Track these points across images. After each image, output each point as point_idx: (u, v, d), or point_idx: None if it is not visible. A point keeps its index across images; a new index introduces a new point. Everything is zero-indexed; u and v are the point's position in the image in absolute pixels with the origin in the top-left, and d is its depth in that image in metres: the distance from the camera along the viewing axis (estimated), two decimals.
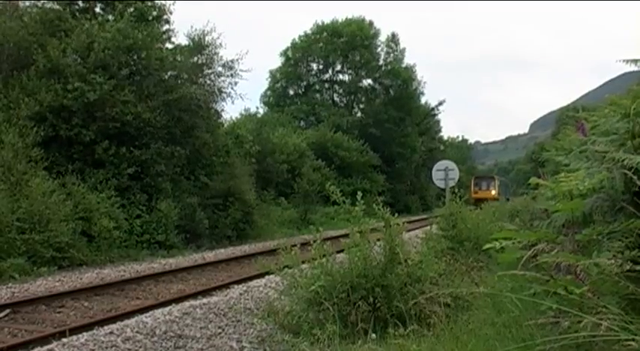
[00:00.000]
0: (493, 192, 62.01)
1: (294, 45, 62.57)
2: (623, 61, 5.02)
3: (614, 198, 4.28)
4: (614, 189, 4.17)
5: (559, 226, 4.80)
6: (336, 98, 64.93)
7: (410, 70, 64.79)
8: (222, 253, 22.83)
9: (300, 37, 62.87)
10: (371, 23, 63.65)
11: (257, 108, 56.95)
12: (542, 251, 4.01)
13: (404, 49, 65.42)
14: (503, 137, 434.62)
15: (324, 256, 9.08)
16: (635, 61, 4.95)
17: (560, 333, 3.60)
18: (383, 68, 63.29)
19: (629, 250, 3.63)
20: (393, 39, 64.93)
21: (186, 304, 12.04)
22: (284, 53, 62.81)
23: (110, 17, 25.07)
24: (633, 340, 2.91)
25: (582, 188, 3.93)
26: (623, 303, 3.61)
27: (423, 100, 71.24)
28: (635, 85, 6.14)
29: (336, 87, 65.00)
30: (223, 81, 27.80)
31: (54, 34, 22.98)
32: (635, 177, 3.59)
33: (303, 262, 9.48)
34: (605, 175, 4.06)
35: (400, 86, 62.71)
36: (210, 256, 21.75)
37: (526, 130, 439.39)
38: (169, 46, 27.20)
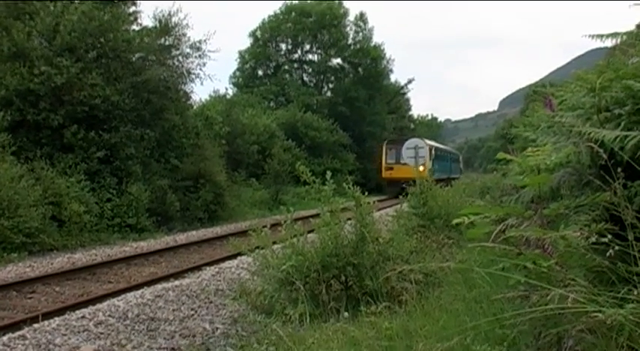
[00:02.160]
0: (421, 168, 37.78)
1: (263, 25, 62.29)
2: (589, 36, 5.05)
3: (580, 172, 4.31)
4: (580, 163, 4.20)
5: (527, 201, 4.84)
6: (305, 78, 64.83)
7: (379, 49, 64.78)
8: (194, 235, 22.80)
9: (269, 17, 62.63)
10: (339, 3, 63.48)
11: (226, 89, 56.93)
12: (511, 226, 4.03)
13: (372, 28, 65.42)
14: (472, 115, 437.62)
15: (295, 236, 9.10)
16: (600, 36, 4.98)
17: (530, 306, 3.63)
18: (352, 47, 63.22)
19: (596, 224, 3.67)
20: (362, 18, 64.84)
21: (159, 286, 12.06)
22: (253, 34, 62.55)
23: None
24: (600, 311, 2.95)
25: (549, 163, 3.96)
26: (590, 276, 3.65)
27: (392, 78, 71.44)
28: (601, 60, 6.18)
29: (306, 67, 64.88)
30: (192, 62, 27.59)
31: (18, 16, 22.62)
32: (601, 150, 3.62)
33: (274, 243, 9.51)
34: (572, 150, 4.09)
35: (369, 65, 62.69)
36: (181, 238, 21.72)
37: (495, 107, 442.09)
38: (136, 27, 26.94)
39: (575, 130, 4.17)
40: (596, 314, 2.96)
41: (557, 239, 3.64)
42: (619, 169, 3.47)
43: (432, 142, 52.03)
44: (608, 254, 3.28)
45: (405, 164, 41.16)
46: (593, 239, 3.38)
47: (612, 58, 5.26)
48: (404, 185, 34.22)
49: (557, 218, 4.23)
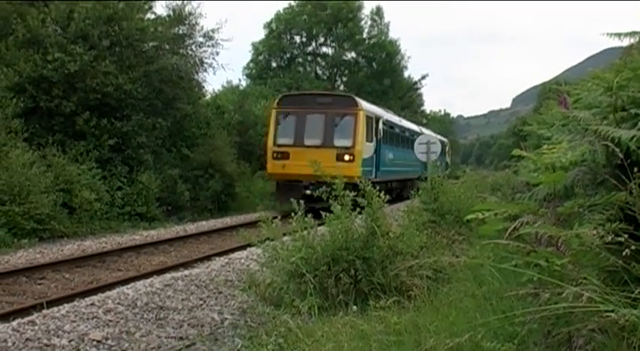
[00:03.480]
0: (347, 157, 24.94)
1: (277, 17, 62.19)
2: (607, 34, 5.03)
3: (595, 171, 4.29)
4: (595, 162, 4.18)
5: (540, 199, 4.82)
6: (319, 71, 64.71)
7: (394, 44, 64.66)
8: (204, 225, 22.78)
9: (284, 9, 62.52)
10: None
11: (239, 80, 56.79)
12: (526, 223, 4.02)
13: (388, 23, 65.41)
14: (485, 112, 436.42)
15: (305, 228, 9.11)
16: (618, 34, 4.96)
17: (540, 305, 3.62)
18: (367, 42, 63.12)
19: (610, 223, 3.65)
20: (378, 12, 64.80)
21: (168, 275, 12.06)
22: (267, 25, 62.46)
23: None
24: (612, 311, 2.93)
25: (565, 161, 3.94)
26: (603, 275, 3.63)
27: (405, 73, 71.20)
28: (617, 59, 6.16)
29: (320, 60, 64.75)
30: (204, 51, 27.57)
31: (33, 3, 22.71)
32: (617, 149, 3.60)
33: (284, 235, 9.50)
34: (588, 148, 4.07)
35: (384, 60, 62.58)
36: (191, 228, 21.72)
37: (508, 104, 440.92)
38: (150, 16, 26.94)
39: (591, 128, 4.15)
40: (608, 314, 2.95)
41: (570, 238, 3.63)
42: (635, 169, 3.46)
43: (374, 108, 30.29)
44: (624, 254, 3.26)
45: (313, 147, 24.68)
46: (608, 238, 3.36)
47: (630, 58, 5.23)
48: (308, 190, 19.97)
49: (570, 217, 4.22)
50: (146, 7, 26.69)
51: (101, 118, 22.22)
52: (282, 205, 22.01)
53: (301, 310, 7.14)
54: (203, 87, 30.17)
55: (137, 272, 13.42)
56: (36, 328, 8.32)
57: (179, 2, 26.74)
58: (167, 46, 25.72)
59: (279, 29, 61.98)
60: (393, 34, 77.80)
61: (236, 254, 14.86)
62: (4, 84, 20.30)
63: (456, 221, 13.27)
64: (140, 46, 24.44)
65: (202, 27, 27.36)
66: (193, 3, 26.77)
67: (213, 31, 27.53)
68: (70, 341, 7.98)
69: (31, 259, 14.45)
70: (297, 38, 63.66)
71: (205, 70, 28.33)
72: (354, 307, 7.53)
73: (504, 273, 5.21)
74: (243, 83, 55.51)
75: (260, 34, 64.94)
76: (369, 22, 64.47)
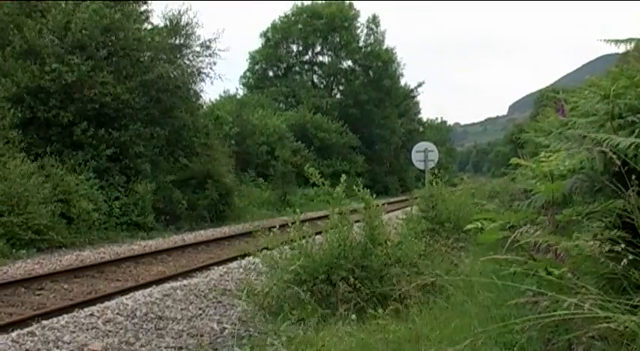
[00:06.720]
0: None
1: (274, 26, 62.29)
2: (604, 41, 5.05)
3: (593, 178, 4.31)
4: (593, 169, 4.20)
5: (539, 206, 4.83)
6: (315, 80, 64.78)
7: (390, 52, 64.72)
8: (202, 234, 22.78)
9: (280, 18, 62.63)
10: (350, 5, 63.44)
11: (237, 90, 56.86)
12: (524, 232, 4.03)
13: (384, 31, 65.43)
14: (482, 119, 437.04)
15: (303, 237, 9.12)
16: (615, 41, 4.98)
17: (540, 312, 3.63)
18: (363, 50, 63.17)
19: (609, 230, 3.66)
20: (374, 21, 64.86)
21: (167, 285, 12.06)
22: (264, 35, 62.56)
23: None
24: (612, 318, 2.94)
25: (563, 169, 3.95)
26: (602, 283, 3.64)
27: (402, 81, 71.26)
28: (613, 67, 6.18)
29: (316, 68, 64.81)
30: (202, 61, 27.60)
31: (30, 14, 22.70)
32: (614, 157, 3.61)
33: (282, 244, 9.52)
34: (585, 156, 4.09)
35: (380, 68, 62.59)
36: (190, 237, 21.71)
37: (505, 112, 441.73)
38: (148, 26, 26.95)
39: (589, 136, 4.17)
40: (607, 321, 2.95)
41: (569, 246, 3.64)
42: (633, 177, 3.47)
43: None
44: (622, 263, 3.27)
45: None
46: (607, 248, 3.37)
47: (626, 65, 5.25)
48: None
49: (568, 224, 4.23)
50: (142, 16, 26.69)
51: (98, 128, 22.23)
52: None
53: (301, 319, 7.16)
54: (200, 97, 30.13)
55: (136, 282, 13.38)
56: (35, 338, 8.32)
57: (175, 13, 26.80)
58: (164, 56, 25.69)
59: (276, 38, 62.09)
60: (389, 42, 77.99)
61: (234, 263, 14.83)
62: (1, 95, 20.33)
63: (454, 229, 13.29)
64: (137, 55, 24.44)
65: (199, 36, 27.43)
66: (190, 13, 26.73)
67: (210, 41, 27.61)
68: None
69: (29, 270, 14.42)
70: (294, 47, 63.81)
71: (203, 80, 28.36)
72: (353, 316, 7.54)
73: (503, 281, 5.22)
74: (241, 92, 55.61)
75: (256, 44, 65.11)
76: (365, 31, 64.58)
